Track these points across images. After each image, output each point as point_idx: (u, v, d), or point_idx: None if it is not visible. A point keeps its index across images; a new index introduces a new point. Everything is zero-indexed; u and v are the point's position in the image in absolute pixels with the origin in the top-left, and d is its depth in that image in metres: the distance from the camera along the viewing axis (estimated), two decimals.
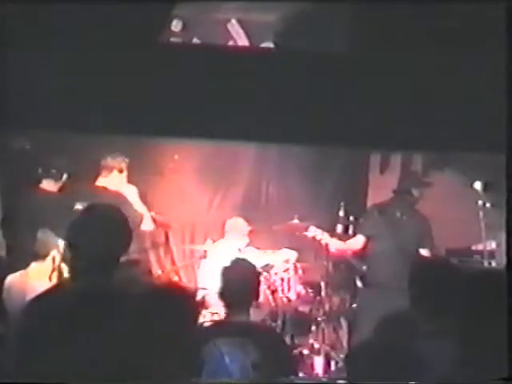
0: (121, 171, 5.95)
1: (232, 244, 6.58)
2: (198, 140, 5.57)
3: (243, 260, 3.98)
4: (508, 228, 3.40)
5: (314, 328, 6.35)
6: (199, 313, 2.98)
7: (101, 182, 5.88)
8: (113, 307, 2.59)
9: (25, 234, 5.14)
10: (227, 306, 3.55)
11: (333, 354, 6.28)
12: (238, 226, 6.67)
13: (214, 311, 5.81)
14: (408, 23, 3.92)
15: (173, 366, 2.50)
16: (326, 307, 6.52)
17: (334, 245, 6.14)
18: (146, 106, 3.91)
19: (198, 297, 5.85)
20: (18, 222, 5.61)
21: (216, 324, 3.58)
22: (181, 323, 2.56)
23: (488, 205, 5.65)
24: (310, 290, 6.56)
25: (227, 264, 3.70)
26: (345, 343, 6.52)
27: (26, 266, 4.67)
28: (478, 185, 5.70)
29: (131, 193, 5.90)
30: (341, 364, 6.11)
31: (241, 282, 3.55)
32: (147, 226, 5.98)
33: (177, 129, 4.07)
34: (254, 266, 3.74)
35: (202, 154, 7.16)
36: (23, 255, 4.88)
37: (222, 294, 3.57)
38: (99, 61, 3.87)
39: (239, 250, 6.53)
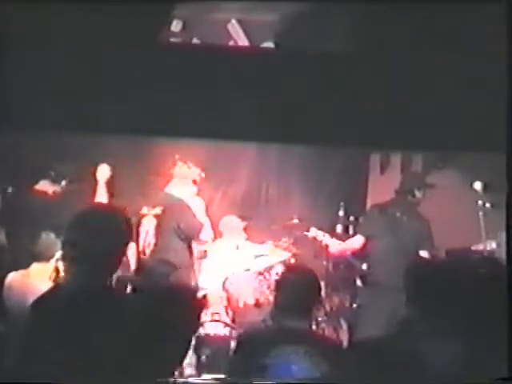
0: (194, 183, 5.97)
1: (230, 242, 6.58)
2: (198, 140, 5.57)
3: (303, 267, 3.95)
4: (508, 228, 3.41)
5: (314, 328, 6.34)
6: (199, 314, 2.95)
7: (170, 188, 5.88)
8: (113, 308, 2.58)
9: (27, 234, 5.15)
10: (287, 312, 3.46)
11: None
12: (231, 223, 6.68)
13: (214, 311, 5.81)
14: (408, 23, 3.92)
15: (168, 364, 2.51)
16: (326, 307, 6.52)
17: (334, 245, 6.14)
18: (146, 106, 3.91)
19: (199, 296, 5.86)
20: (19, 222, 5.62)
21: (279, 330, 3.49)
22: (182, 323, 2.56)
23: (488, 205, 5.65)
24: None
25: (288, 271, 3.66)
26: (345, 343, 6.51)
27: (27, 266, 4.67)
28: (478, 185, 5.70)
29: (198, 205, 5.92)
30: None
31: (303, 290, 3.48)
32: (206, 236, 5.98)
33: (177, 129, 4.07)
34: (314, 273, 3.69)
35: (202, 154, 7.16)
36: (24, 255, 4.88)
37: (283, 301, 3.51)
38: (99, 61, 3.87)
39: (237, 247, 6.53)
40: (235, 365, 3.43)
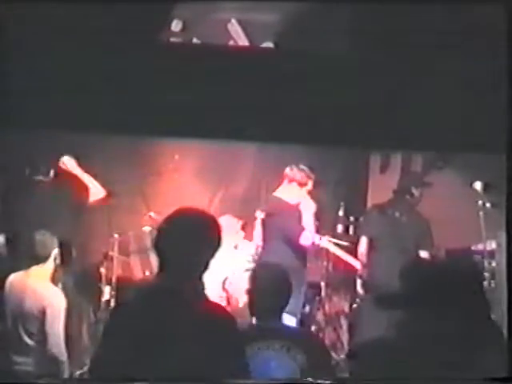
0: (301, 185, 5.91)
1: (228, 242, 6.57)
2: (197, 140, 5.56)
3: (273, 264, 3.95)
4: (508, 228, 3.41)
5: (314, 328, 6.34)
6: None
7: (279, 192, 5.88)
8: (198, 311, 2.58)
9: (22, 234, 5.12)
10: (259, 311, 3.45)
11: (333, 353, 6.27)
12: (228, 223, 6.66)
13: None
14: (408, 23, 3.92)
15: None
16: (326, 307, 6.52)
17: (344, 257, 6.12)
18: (146, 105, 3.91)
19: None
20: (13, 221, 5.60)
21: (252, 328, 3.48)
22: None
23: (488, 205, 5.64)
24: (309, 290, 6.56)
25: (256, 269, 3.66)
26: (345, 343, 6.51)
27: (26, 266, 4.65)
28: (478, 185, 5.69)
29: (306, 208, 5.87)
30: (341, 364, 6.11)
31: (274, 287, 3.49)
32: (305, 240, 5.92)
33: (177, 129, 4.07)
34: (284, 270, 3.68)
35: (202, 154, 7.16)
36: (21, 256, 4.86)
37: (254, 300, 3.50)
38: (99, 61, 3.87)
39: (236, 246, 6.52)
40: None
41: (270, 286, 3.47)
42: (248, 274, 3.63)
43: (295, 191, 5.88)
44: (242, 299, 6.02)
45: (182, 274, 2.63)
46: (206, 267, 2.71)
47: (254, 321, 3.48)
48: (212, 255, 2.75)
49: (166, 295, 2.61)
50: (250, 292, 3.53)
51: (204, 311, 2.59)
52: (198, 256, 2.68)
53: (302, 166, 5.98)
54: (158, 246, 2.72)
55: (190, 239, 2.67)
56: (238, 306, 5.98)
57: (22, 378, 4.26)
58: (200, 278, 2.68)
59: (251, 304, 3.50)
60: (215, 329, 2.54)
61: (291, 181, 5.91)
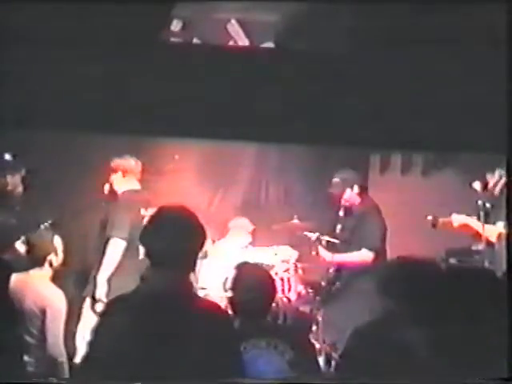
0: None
1: (233, 243, 6.57)
2: (198, 140, 5.56)
3: (256, 265, 3.94)
4: (508, 228, 3.41)
5: (314, 328, 6.34)
6: None
7: None
8: (190, 309, 2.58)
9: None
10: (244, 311, 3.45)
11: (333, 354, 6.26)
12: (242, 225, 6.65)
13: None
14: (408, 23, 3.92)
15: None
16: None
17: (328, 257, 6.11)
18: (146, 106, 3.91)
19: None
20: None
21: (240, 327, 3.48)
22: None
23: (488, 205, 5.63)
24: (310, 290, 6.56)
25: (240, 270, 3.67)
26: (344, 344, 6.49)
27: (25, 268, 4.62)
28: (477, 185, 5.69)
29: None
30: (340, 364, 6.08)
31: (259, 288, 3.48)
32: None
33: (177, 129, 4.07)
34: (267, 271, 3.68)
35: (202, 154, 7.16)
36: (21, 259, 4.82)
37: (238, 301, 3.49)
38: (99, 61, 3.87)
39: (241, 248, 6.53)
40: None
41: (253, 284, 3.47)
42: (231, 273, 3.60)
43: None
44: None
45: (171, 273, 2.64)
46: (194, 264, 2.71)
47: (237, 320, 3.46)
48: (199, 250, 2.75)
49: (157, 294, 2.62)
50: (232, 291, 3.52)
51: (197, 309, 2.59)
52: (183, 252, 2.68)
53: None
54: (146, 249, 2.73)
55: (172, 237, 2.67)
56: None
57: (23, 378, 4.26)
58: (189, 275, 2.69)
59: (233, 304, 3.49)
60: (210, 327, 2.54)
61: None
